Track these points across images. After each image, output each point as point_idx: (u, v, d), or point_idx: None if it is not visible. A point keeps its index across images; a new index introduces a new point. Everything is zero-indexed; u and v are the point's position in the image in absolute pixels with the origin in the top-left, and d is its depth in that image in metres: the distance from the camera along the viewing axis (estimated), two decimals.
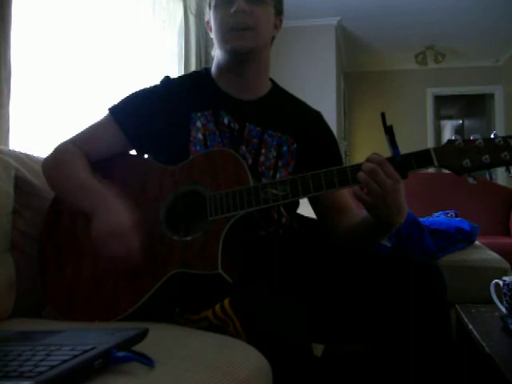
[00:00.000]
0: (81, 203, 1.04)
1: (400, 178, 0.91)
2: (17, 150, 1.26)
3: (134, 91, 1.19)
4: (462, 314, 1.50)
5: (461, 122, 9.22)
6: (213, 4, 1.12)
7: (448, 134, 9.60)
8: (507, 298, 1.39)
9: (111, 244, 0.96)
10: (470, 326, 1.35)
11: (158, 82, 1.20)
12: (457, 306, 1.57)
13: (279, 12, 1.18)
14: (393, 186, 0.90)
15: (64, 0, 2.11)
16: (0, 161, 1.12)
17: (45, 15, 1.97)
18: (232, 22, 1.08)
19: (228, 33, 1.09)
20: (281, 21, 1.19)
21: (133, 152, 1.19)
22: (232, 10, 1.07)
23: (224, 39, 1.11)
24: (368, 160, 0.92)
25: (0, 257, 1.07)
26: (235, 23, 1.08)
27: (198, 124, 1.13)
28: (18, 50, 1.67)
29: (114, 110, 1.16)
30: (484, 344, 1.19)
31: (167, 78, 1.21)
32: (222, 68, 1.17)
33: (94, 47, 2.30)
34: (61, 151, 1.14)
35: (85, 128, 1.18)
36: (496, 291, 1.47)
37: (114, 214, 0.98)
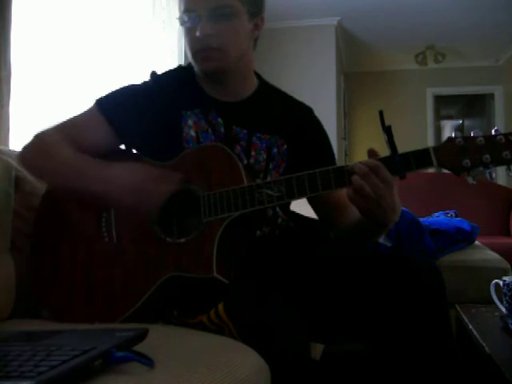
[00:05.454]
0: (78, 186, 1.00)
1: (394, 182, 0.90)
2: (17, 150, 1.26)
3: (122, 86, 1.16)
4: (461, 313, 1.49)
5: (461, 121, 9.21)
6: (180, 21, 1.09)
7: (448, 134, 9.57)
8: (507, 298, 1.39)
9: (142, 200, 0.96)
10: (470, 326, 1.35)
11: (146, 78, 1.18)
12: (457, 305, 1.57)
13: (256, 13, 1.11)
14: (386, 190, 0.89)
15: (64, 0, 2.11)
16: (0, 161, 1.12)
17: (45, 15, 1.97)
18: (198, 45, 1.06)
19: (196, 54, 1.08)
20: (262, 19, 1.13)
21: (121, 146, 1.16)
22: (197, 34, 1.04)
23: (193, 59, 1.09)
24: (362, 163, 0.90)
25: (0, 257, 1.07)
26: (200, 47, 1.06)
27: (190, 122, 1.12)
28: (18, 50, 1.66)
29: (101, 102, 1.12)
30: (484, 344, 1.19)
31: (154, 73, 1.18)
32: (201, 76, 1.15)
33: (94, 47, 2.30)
34: (40, 139, 1.09)
35: (68, 118, 1.13)
36: (496, 291, 1.47)
37: (121, 178, 0.97)
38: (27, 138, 1.10)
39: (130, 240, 1.01)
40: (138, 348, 0.64)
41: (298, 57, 4.93)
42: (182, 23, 1.08)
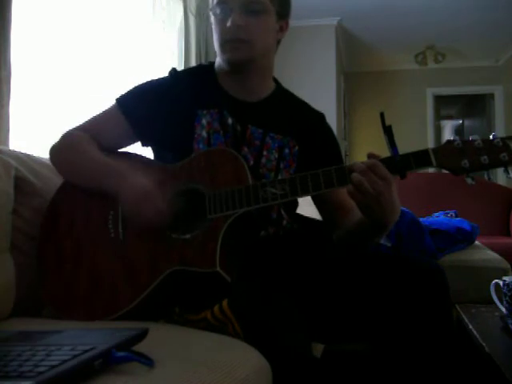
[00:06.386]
0: (99, 183, 1.06)
1: (392, 180, 0.92)
2: (17, 149, 1.26)
3: (141, 83, 1.20)
4: (461, 313, 1.50)
5: (461, 121, 9.21)
6: (212, 12, 1.13)
7: (448, 134, 9.59)
8: (507, 298, 1.39)
9: (142, 209, 0.99)
10: (470, 326, 1.35)
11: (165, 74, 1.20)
12: (457, 305, 1.58)
13: (283, 16, 1.16)
14: (385, 187, 0.91)
15: (64, 0, 2.11)
16: (0, 161, 1.12)
17: (45, 15, 1.97)
18: (228, 35, 1.09)
19: (224, 44, 1.11)
20: (287, 23, 1.19)
21: (137, 143, 1.20)
22: (227, 24, 1.08)
23: (221, 49, 1.12)
24: (362, 162, 0.93)
25: (0, 257, 1.07)
26: (230, 37, 1.09)
27: (204, 122, 1.14)
28: (18, 50, 1.66)
29: (120, 100, 1.17)
30: (484, 344, 1.19)
31: (174, 70, 1.21)
32: (223, 71, 1.17)
33: (94, 48, 2.30)
34: (69, 137, 1.16)
35: (90, 117, 1.19)
36: (496, 291, 1.47)
37: (135, 184, 1.01)
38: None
39: (136, 236, 1.03)
40: (138, 348, 0.64)
41: (298, 57, 4.92)
42: (214, 14, 1.12)
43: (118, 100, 1.17)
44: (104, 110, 1.19)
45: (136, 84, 1.20)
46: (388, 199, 0.92)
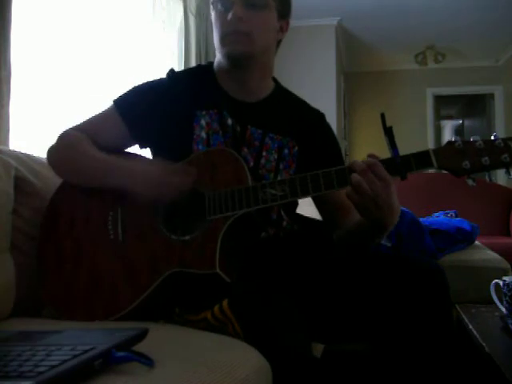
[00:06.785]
0: (103, 180, 1.06)
1: (391, 181, 0.91)
2: (17, 149, 1.26)
3: (139, 84, 1.19)
4: (461, 313, 1.50)
5: (461, 121, 9.21)
6: (213, 6, 1.13)
7: (448, 134, 9.59)
8: (507, 298, 1.39)
9: (162, 193, 1.00)
10: (470, 326, 1.35)
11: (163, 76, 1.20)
12: (457, 305, 1.58)
13: (283, 15, 1.16)
14: (383, 188, 0.90)
15: (64, 0, 2.11)
16: (0, 161, 1.12)
17: (45, 15, 1.97)
18: (228, 28, 1.09)
19: (224, 37, 1.10)
20: (287, 23, 1.18)
21: (135, 145, 1.19)
22: (228, 17, 1.07)
23: (220, 43, 1.12)
24: (362, 161, 0.93)
25: (0, 257, 1.07)
26: (231, 30, 1.08)
27: (203, 122, 1.13)
28: (18, 50, 1.66)
29: (118, 101, 1.16)
30: (484, 344, 1.19)
31: (172, 71, 1.20)
32: (223, 70, 1.17)
33: (94, 48, 2.30)
34: (66, 136, 1.15)
35: (88, 118, 1.19)
36: (496, 291, 1.47)
37: (146, 172, 1.02)
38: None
39: (136, 238, 1.03)
40: (138, 348, 0.64)
41: (298, 57, 4.92)
42: (215, 8, 1.12)
43: (115, 101, 1.16)
44: (101, 111, 1.18)
45: (134, 85, 1.19)
46: (386, 201, 0.91)
